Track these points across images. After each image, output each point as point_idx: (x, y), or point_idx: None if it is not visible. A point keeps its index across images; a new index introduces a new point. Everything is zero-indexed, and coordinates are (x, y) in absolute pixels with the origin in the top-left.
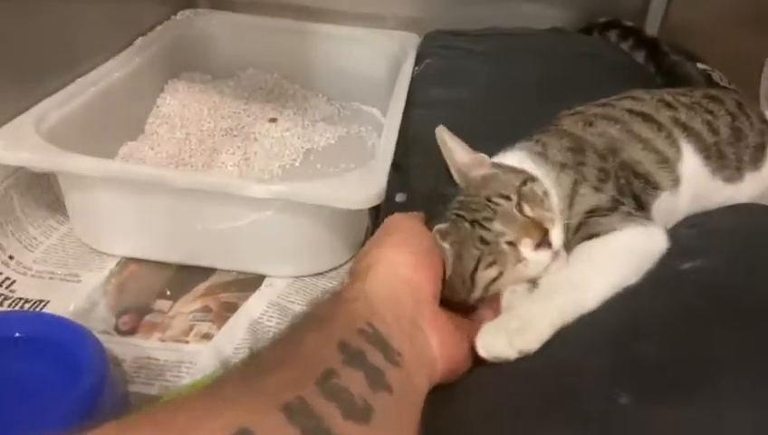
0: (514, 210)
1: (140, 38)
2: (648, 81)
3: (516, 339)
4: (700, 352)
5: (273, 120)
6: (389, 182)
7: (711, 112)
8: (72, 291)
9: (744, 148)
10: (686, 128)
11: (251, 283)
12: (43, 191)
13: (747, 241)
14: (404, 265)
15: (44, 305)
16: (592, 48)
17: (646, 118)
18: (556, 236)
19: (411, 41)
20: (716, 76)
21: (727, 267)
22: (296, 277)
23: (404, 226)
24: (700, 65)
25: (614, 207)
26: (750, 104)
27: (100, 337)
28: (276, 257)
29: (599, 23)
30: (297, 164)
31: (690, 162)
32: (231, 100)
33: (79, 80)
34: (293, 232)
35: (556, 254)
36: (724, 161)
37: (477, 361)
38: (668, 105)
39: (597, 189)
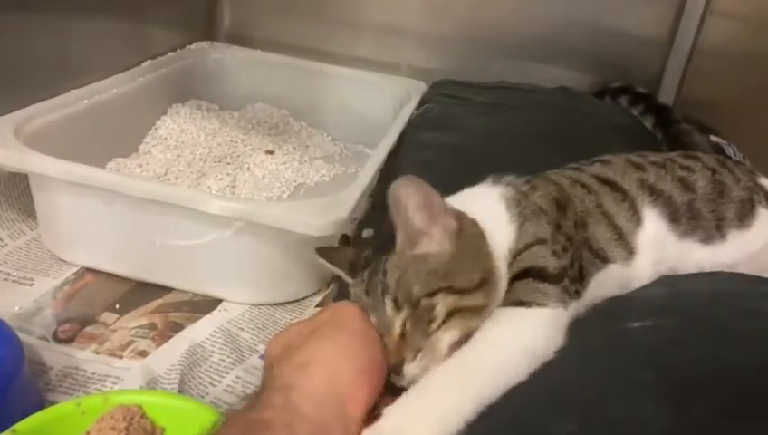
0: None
1: (148, 61)
2: (653, 145)
3: None
4: (612, 430)
5: (271, 152)
6: (365, 219)
7: (686, 168)
8: (21, 294)
9: (727, 203)
10: (653, 191)
11: (205, 305)
12: (20, 195)
13: (709, 309)
14: (344, 373)
15: None
16: (598, 109)
17: (613, 187)
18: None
19: (418, 87)
20: (730, 150)
21: (674, 332)
22: (253, 305)
23: (358, 325)
24: (714, 138)
25: (560, 277)
26: (740, 165)
27: (37, 342)
28: (234, 281)
29: (611, 87)
30: (285, 196)
31: (651, 230)
32: (231, 129)
33: (73, 91)
34: (253, 256)
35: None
36: (699, 222)
37: None
38: (637, 166)
39: (555, 254)
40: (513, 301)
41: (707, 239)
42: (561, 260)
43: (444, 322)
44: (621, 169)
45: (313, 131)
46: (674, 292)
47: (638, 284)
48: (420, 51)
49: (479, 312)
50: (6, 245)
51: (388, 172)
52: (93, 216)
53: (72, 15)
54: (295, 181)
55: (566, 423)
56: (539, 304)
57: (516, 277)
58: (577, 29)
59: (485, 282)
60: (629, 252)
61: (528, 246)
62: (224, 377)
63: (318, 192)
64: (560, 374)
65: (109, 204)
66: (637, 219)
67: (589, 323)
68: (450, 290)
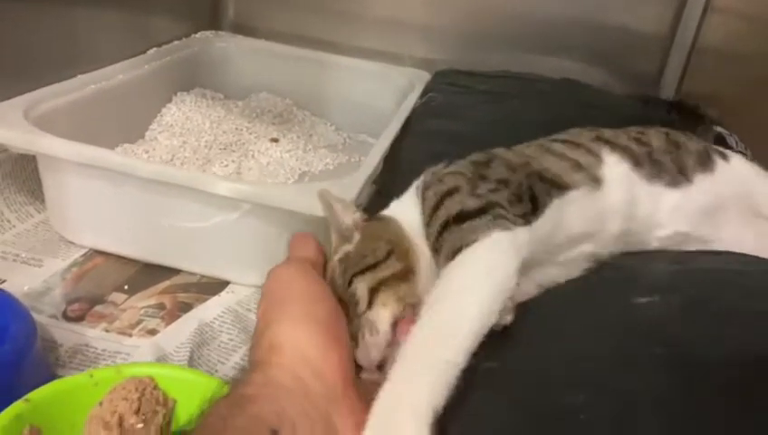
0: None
1: (154, 48)
2: None
3: None
4: (623, 402)
5: (275, 140)
6: (370, 206)
7: (641, 132)
8: (30, 274)
9: (684, 153)
10: (608, 142)
11: (213, 287)
12: (28, 178)
13: (717, 287)
14: (310, 346)
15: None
16: (602, 99)
17: (565, 141)
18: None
19: (421, 77)
20: (732, 140)
21: (683, 309)
22: (260, 287)
23: (299, 289)
24: (717, 128)
25: (482, 210)
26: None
27: (47, 321)
28: (242, 264)
29: (667, 100)
30: (289, 184)
31: (615, 167)
32: (236, 117)
33: (81, 76)
34: (261, 239)
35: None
36: (662, 167)
37: None
38: (592, 130)
39: (474, 195)
40: (446, 255)
41: (674, 183)
42: (481, 199)
43: (372, 301)
44: (576, 133)
45: (317, 121)
46: (681, 269)
47: (614, 219)
48: (422, 42)
49: (403, 278)
50: (14, 226)
51: (393, 160)
52: (102, 198)
53: (77, 3)
54: (300, 169)
55: (576, 394)
56: (468, 243)
57: (441, 232)
58: (578, 23)
59: (395, 249)
60: (594, 180)
61: (437, 207)
62: (232, 355)
63: (322, 180)
64: (566, 347)
65: (118, 186)
66: (595, 157)
67: (593, 295)
68: (362, 271)
